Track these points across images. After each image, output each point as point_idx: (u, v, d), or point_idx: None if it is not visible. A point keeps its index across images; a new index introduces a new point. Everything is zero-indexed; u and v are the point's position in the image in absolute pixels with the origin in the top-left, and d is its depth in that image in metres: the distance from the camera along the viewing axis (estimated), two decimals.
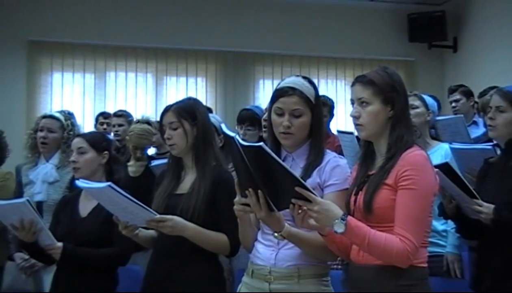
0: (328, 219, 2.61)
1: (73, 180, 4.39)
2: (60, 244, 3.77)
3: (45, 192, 4.77)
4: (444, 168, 3.30)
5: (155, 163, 5.51)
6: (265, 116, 4.60)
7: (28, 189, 4.86)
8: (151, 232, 3.52)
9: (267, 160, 2.56)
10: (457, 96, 6.95)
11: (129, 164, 5.69)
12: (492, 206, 3.40)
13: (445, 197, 3.47)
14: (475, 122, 6.65)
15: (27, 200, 3.67)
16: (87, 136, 4.16)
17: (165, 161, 4.11)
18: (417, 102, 4.69)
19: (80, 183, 3.46)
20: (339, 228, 2.60)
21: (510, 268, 3.42)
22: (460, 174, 3.44)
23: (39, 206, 4.56)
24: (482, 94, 6.43)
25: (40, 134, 4.88)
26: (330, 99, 6.05)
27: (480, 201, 3.42)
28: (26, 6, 9.37)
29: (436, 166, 3.05)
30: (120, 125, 7.08)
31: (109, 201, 3.25)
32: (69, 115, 5.16)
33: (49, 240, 3.77)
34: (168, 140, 3.56)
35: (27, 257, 4.64)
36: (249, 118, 5.44)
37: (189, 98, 3.80)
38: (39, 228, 3.70)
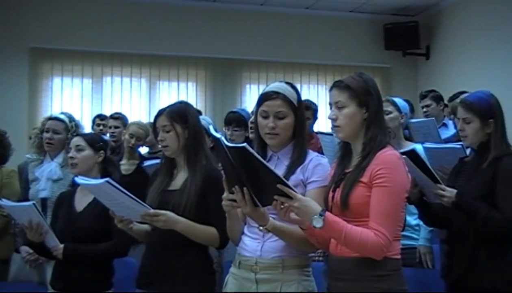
0: (308, 215, 2.63)
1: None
2: (62, 246, 3.81)
3: (49, 189, 4.77)
4: (411, 154, 3.35)
5: (147, 163, 5.52)
6: (252, 119, 4.61)
7: (34, 186, 4.86)
8: (145, 226, 3.52)
9: (250, 159, 2.57)
10: (428, 101, 6.98)
11: (121, 162, 5.71)
12: (454, 191, 3.47)
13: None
14: (444, 125, 6.69)
15: (33, 204, 3.73)
16: (86, 136, 4.19)
17: (156, 161, 4.12)
18: (390, 108, 4.71)
19: (79, 179, 3.49)
20: (318, 223, 2.62)
21: (477, 259, 3.47)
22: (426, 161, 3.49)
23: (43, 202, 4.58)
24: (452, 98, 6.47)
25: (46, 135, 4.87)
26: (314, 103, 6.07)
27: (443, 186, 3.50)
28: (28, 16, 9.36)
29: (403, 153, 3.10)
30: (116, 127, 7.04)
31: (106, 196, 3.25)
32: (72, 118, 5.16)
33: (53, 242, 3.83)
34: (161, 142, 3.56)
35: (31, 251, 4.62)
36: (235, 120, 5.46)
37: (181, 102, 3.78)
38: (45, 230, 3.76)
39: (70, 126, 4.93)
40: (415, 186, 3.54)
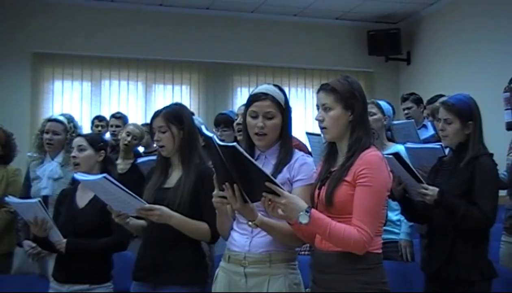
0: (294, 211, 2.62)
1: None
2: (64, 240, 3.83)
3: (50, 187, 4.78)
4: (396, 156, 3.39)
5: (141, 160, 5.50)
6: (238, 120, 4.59)
7: (36, 184, 4.87)
8: (141, 222, 3.53)
9: (240, 158, 2.57)
10: (409, 104, 6.98)
11: (117, 162, 5.70)
12: (436, 189, 3.49)
13: (393, 181, 3.52)
14: (424, 126, 6.68)
15: (39, 201, 3.75)
16: (87, 137, 4.18)
17: (150, 158, 4.11)
18: (374, 109, 4.71)
19: (78, 175, 3.49)
20: (304, 219, 2.61)
21: (455, 252, 3.50)
22: (409, 163, 3.51)
23: (45, 200, 4.56)
24: (430, 101, 6.52)
25: (46, 136, 4.87)
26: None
27: (426, 185, 3.52)
28: (31, 23, 9.35)
29: (390, 153, 3.13)
30: (117, 126, 7.03)
31: (104, 191, 3.25)
32: (71, 119, 5.16)
33: (57, 237, 3.84)
34: (157, 142, 3.56)
35: (34, 245, 4.65)
36: (224, 121, 5.44)
37: (176, 104, 3.78)
38: (49, 226, 3.79)
39: (68, 128, 4.93)
40: (399, 184, 3.56)
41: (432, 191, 3.50)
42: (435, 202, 3.50)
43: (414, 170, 3.51)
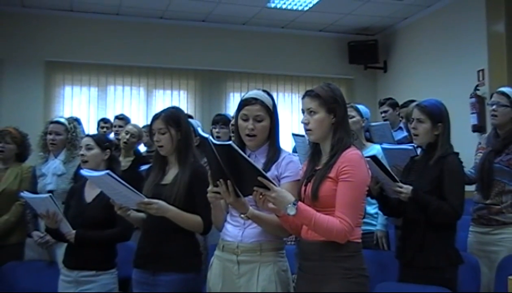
0: (283, 204, 2.62)
1: (77, 172, 4.53)
2: (74, 231, 3.85)
3: (54, 182, 4.78)
4: (374, 158, 3.40)
5: (143, 168, 5.48)
6: (233, 122, 4.59)
7: (41, 181, 4.86)
8: (141, 214, 3.52)
9: (234, 155, 2.56)
10: (385, 108, 6.97)
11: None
12: (410, 187, 3.51)
13: (371, 180, 3.52)
14: (401, 128, 6.68)
15: (50, 196, 3.76)
16: (94, 137, 4.19)
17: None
18: (353, 113, 4.71)
19: (84, 171, 3.53)
20: (291, 211, 2.62)
21: (426, 242, 3.51)
22: (386, 164, 3.52)
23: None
24: (403, 106, 6.53)
25: (49, 137, 4.88)
26: None
27: (400, 184, 3.53)
28: (43, 34, 9.32)
29: (367, 156, 3.14)
30: (120, 126, 6.97)
31: (107, 186, 3.26)
32: (72, 119, 5.16)
33: (67, 228, 3.86)
34: (157, 142, 3.54)
35: (42, 235, 4.70)
36: (222, 120, 5.48)
37: (173, 107, 3.75)
38: (60, 219, 3.80)
39: (69, 128, 4.93)
40: (376, 183, 3.56)
41: (406, 189, 3.51)
42: (409, 199, 3.51)
43: (390, 170, 3.53)
